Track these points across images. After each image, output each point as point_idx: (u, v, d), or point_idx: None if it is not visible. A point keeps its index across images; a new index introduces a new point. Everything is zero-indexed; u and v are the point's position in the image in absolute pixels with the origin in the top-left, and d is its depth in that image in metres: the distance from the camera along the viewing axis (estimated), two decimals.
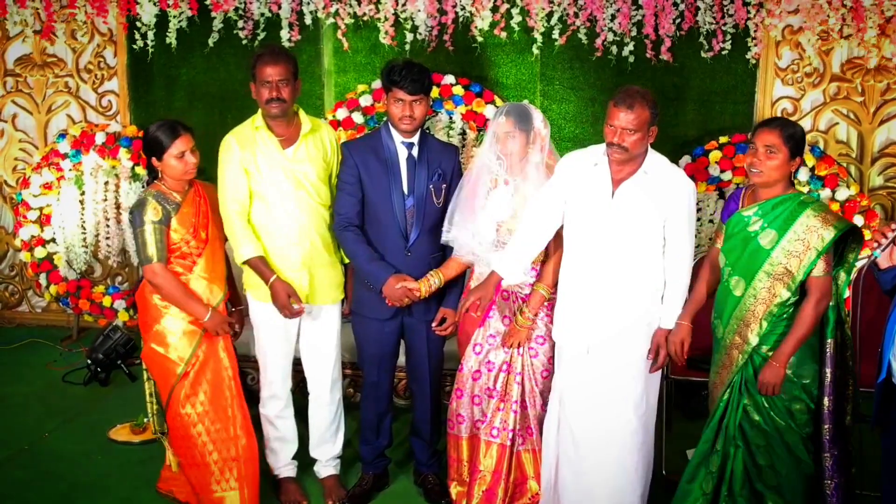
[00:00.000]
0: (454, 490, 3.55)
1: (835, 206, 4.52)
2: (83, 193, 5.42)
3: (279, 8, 5.00)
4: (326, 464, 3.72)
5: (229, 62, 5.21)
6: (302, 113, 3.45)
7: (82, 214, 5.45)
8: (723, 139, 4.76)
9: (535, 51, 4.84)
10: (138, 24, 5.15)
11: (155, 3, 5.08)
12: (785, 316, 2.92)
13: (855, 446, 3.06)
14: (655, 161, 3.06)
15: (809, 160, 4.60)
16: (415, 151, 3.41)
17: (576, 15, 4.75)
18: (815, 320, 2.89)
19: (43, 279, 5.45)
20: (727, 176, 4.72)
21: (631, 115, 2.91)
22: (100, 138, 5.29)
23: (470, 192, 3.32)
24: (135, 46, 5.24)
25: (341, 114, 4.95)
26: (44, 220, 5.41)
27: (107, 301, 5.40)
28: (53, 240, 5.43)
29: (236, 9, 5.04)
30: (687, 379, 3.95)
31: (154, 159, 3.31)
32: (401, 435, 3.98)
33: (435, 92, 4.71)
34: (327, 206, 3.48)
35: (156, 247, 3.26)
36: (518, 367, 3.35)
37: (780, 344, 2.91)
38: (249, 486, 3.43)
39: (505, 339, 3.34)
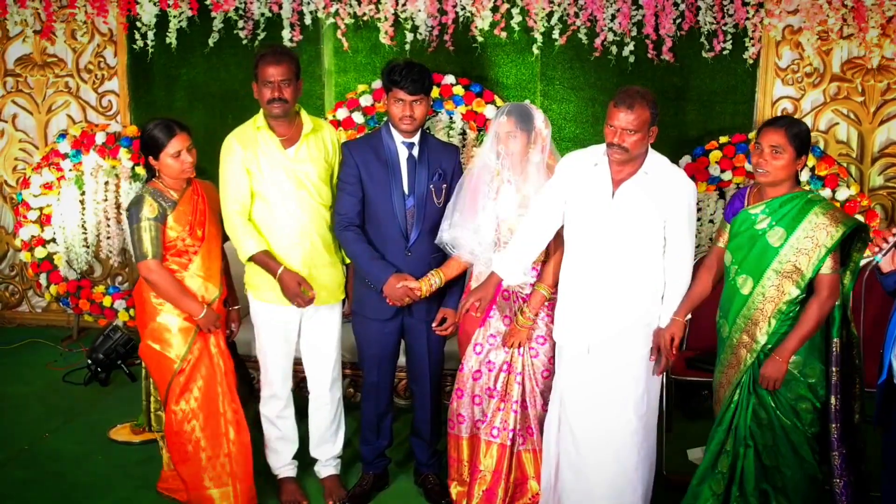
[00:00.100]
0: (454, 490, 3.55)
1: None
2: (83, 193, 5.41)
3: (279, 8, 5.00)
4: (326, 464, 3.72)
5: (229, 62, 5.21)
6: (303, 113, 3.45)
7: (82, 214, 5.45)
8: (723, 139, 4.75)
9: (536, 51, 4.84)
10: (138, 24, 5.15)
11: (155, 3, 5.07)
12: (792, 314, 2.92)
13: (860, 445, 3.06)
14: (656, 161, 3.06)
15: (810, 160, 4.60)
16: (415, 151, 3.40)
17: (576, 15, 4.75)
18: (821, 318, 2.89)
19: (43, 279, 5.45)
20: (727, 176, 4.72)
21: (631, 116, 2.90)
22: (100, 138, 5.28)
23: (471, 192, 3.31)
24: (135, 46, 5.24)
25: (341, 114, 4.95)
26: (44, 220, 5.41)
27: (107, 301, 5.40)
28: (54, 240, 5.43)
29: (236, 9, 5.04)
30: (687, 379, 3.95)
31: (151, 158, 3.31)
32: (401, 435, 3.98)
33: (435, 92, 4.71)
34: (328, 207, 3.48)
35: (151, 243, 3.25)
36: (518, 367, 3.35)
37: (784, 339, 2.91)
38: (241, 483, 3.43)
39: (505, 339, 3.34)
